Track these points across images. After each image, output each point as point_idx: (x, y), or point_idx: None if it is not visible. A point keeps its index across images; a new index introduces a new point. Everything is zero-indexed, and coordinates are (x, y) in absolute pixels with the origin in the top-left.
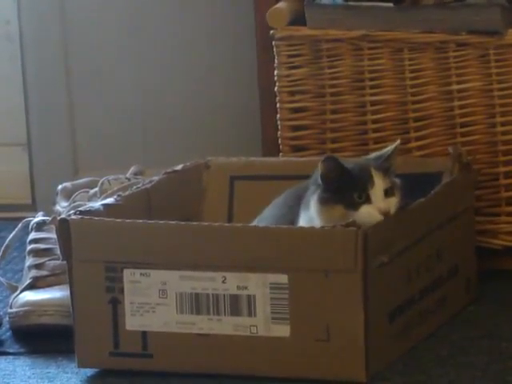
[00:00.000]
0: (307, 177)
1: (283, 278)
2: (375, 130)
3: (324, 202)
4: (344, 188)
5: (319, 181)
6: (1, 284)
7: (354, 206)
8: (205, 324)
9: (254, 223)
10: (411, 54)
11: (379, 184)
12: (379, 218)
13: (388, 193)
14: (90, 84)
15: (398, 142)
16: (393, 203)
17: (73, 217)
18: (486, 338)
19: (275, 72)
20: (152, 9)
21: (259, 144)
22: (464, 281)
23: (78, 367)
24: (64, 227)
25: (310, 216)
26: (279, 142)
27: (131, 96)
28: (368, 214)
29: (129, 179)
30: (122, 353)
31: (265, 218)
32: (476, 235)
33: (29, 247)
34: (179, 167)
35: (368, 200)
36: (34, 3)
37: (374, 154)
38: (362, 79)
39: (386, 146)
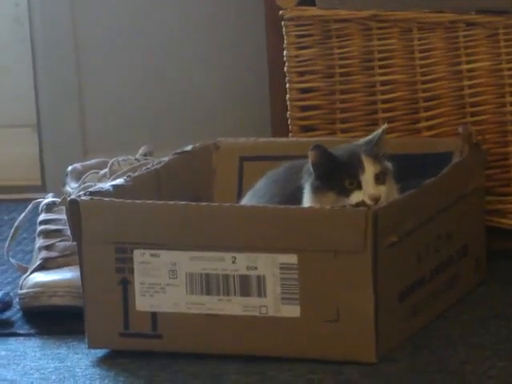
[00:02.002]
0: None
1: (293, 258)
2: (385, 110)
3: (316, 189)
4: (335, 175)
5: (311, 169)
6: (11, 265)
7: (346, 193)
8: (215, 304)
9: (248, 197)
10: (421, 34)
11: (370, 170)
12: (370, 204)
13: (379, 178)
14: (100, 65)
15: (385, 125)
16: (383, 189)
17: (83, 198)
18: (496, 318)
19: (284, 52)
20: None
21: (268, 125)
22: (474, 261)
23: (89, 348)
24: (74, 208)
25: (305, 204)
26: (288, 122)
27: (141, 77)
28: (359, 200)
29: (138, 160)
30: (132, 333)
31: (264, 194)
32: (486, 215)
33: (39, 228)
34: (189, 148)
35: (359, 186)
36: None
37: (363, 139)
38: (372, 59)
39: (395, 127)
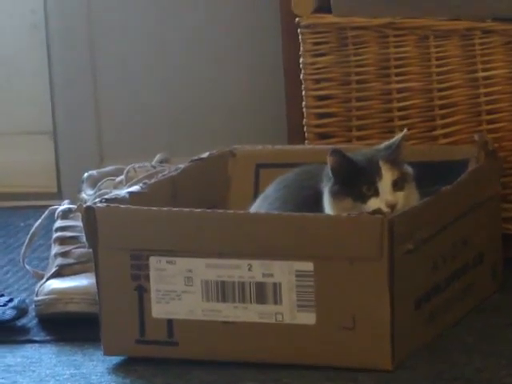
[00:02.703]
0: None
1: (309, 266)
2: (401, 118)
3: (334, 194)
4: (353, 180)
5: (330, 174)
6: (27, 272)
7: (363, 199)
8: (230, 312)
9: (259, 203)
10: (437, 42)
11: (387, 176)
12: (386, 211)
13: (397, 184)
14: (116, 72)
15: (405, 131)
16: (401, 196)
17: (99, 204)
18: None
19: (300, 60)
20: (175, 1)
21: (285, 132)
22: (490, 268)
23: (104, 355)
24: (90, 215)
25: (325, 208)
26: (305, 129)
27: (157, 84)
28: (375, 207)
29: (154, 167)
30: (147, 340)
31: (275, 200)
32: (502, 223)
33: (55, 235)
34: (205, 155)
35: (376, 193)
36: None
37: (383, 144)
38: (388, 67)
39: (411, 135)
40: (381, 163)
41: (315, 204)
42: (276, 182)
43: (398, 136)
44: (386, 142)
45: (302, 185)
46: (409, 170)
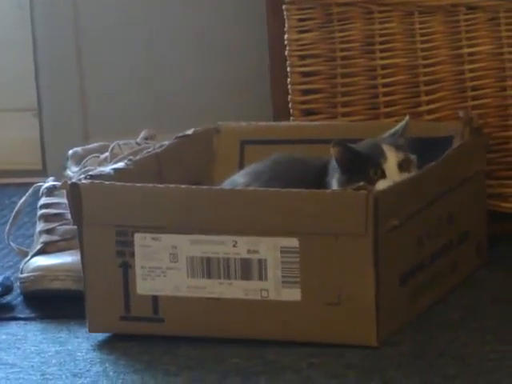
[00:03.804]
0: (318, 141)
1: (294, 242)
2: (386, 94)
3: (343, 183)
4: (360, 167)
5: (335, 165)
6: (12, 249)
7: (372, 182)
8: (216, 288)
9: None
10: (422, 18)
11: (392, 158)
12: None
13: (403, 167)
14: (101, 50)
15: (407, 118)
16: (407, 177)
17: (83, 181)
18: (496, 302)
19: (285, 36)
20: None
21: (270, 108)
22: (475, 245)
23: (89, 332)
24: (75, 192)
25: None
26: (290, 106)
27: (141, 61)
28: (384, 187)
29: (139, 144)
30: (133, 317)
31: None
32: (487, 199)
33: (39, 212)
34: (190, 132)
35: (383, 175)
36: None
37: (387, 133)
38: (373, 43)
39: (396, 111)
40: (385, 147)
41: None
42: (251, 170)
43: (402, 122)
44: (390, 130)
45: (286, 174)
46: (413, 156)
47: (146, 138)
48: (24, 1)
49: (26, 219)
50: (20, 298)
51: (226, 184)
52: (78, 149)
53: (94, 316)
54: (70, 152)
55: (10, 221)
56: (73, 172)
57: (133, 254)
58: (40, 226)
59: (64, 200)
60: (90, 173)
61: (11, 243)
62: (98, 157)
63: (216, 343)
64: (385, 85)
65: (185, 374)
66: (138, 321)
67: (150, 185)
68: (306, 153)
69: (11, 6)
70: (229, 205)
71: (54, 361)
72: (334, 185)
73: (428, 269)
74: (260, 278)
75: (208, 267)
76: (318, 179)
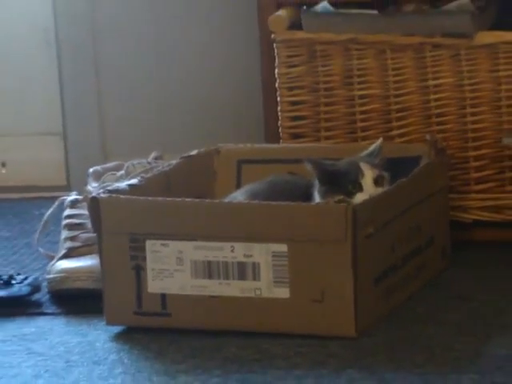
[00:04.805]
0: (303, 161)
1: (283, 247)
2: (362, 120)
3: (324, 194)
4: (339, 181)
5: (316, 179)
6: (40, 254)
7: (351, 195)
8: (216, 287)
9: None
10: (393, 55)
11: (368, 174)
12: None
13: (378, 182)
14: (118, 84)
15: (381, 140)
16: (381, 191)
17: (102, 195)
18: (459, 298)
19: (276, 70)
20: (170, 19)
21: (262, 133)
22: (439, 250)
23: (107, 325)
24: (95, 204)
25: None
26: (280, 130)
27: (152, 94)
28: (361, 200)
29: (150, 163)
30: (144, 312)
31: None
32: (450, 210)
33: (64, 222)
34: (194, 153)
35: (360, 189)
36: (69, 12)
37: (363, 153)
38: (351, 76)
39: (371, 135)
40: (362, 165)
41: None
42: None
43: (377, 144)
44: (366, 151)
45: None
46: (385, 174)
47: (155, 158)
48: (51, 38)
49: (52, 228)
50: (47, 296)
51: (227, 199)
52: (98, 167)
53: (110, 311)
54: (91, 170)
55: (39, 229)
56: (93, 187)
57: (144, 258)
58: (64, 233)
59: (85, 211)
60: (107, 188)
61: (40, 249)
62: (115, 174)
63: (216, 335)
64: (361, 112)
65: (189, 361)
66: (149, 315)
67: (160, 198)
68: (294, 170)
69: (40, 42)
70: (227, 216)
71: (76, 350)
72: (316, 195)
73: (399, 270)
74: (254, 279)
75: (209, 269)
76: (305, 195)
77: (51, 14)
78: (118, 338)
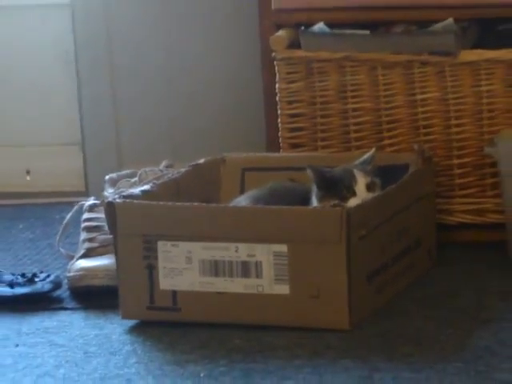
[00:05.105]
0: (302, 168)
1: (283, 248)
2: (356, 131)
3: (320, 198)
4: (335, 187)
5: (314, 185)
6: (61, 254)
7: (345, 200)
8: (222, 284)
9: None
10: (384, 71)
11: (361, 181)
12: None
13: (370, 188)
14: (132, 98)
15: (373, 150)
16: (373, 196)
17: (117, 200)
18: (444, 295)
19: (276, 85)
20: (181, 38)
21: (264, 143)
22: (426, 250)
23: (122, 319)
24: (111, 208)
25: None
26: (280, 140)
27: (163, 108)
28: (355, 204)
29: (161, 171)
30: (156, 307)
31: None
32: (436, 214)
33: (83, 225)
34: (201, 161)
35: (354, 194)
36: (87, 36)
37: (358, 160)
38: (345, 91)
39: (364, 144)
40: (355, 172)
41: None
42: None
43: (370, 153)
44: (360, 159)
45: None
46: (377, 180)
47: (166, 166)
48: (71, 59)
49: (72, 230)
50: (67, 293)
51: (232, 204)
52: (113, 174)
53: (125, 306)
54: (107, 177)
55: (60, 232)
56: (109, 193)
57: (156, 258)
58: (83, 235)
59: (102, 215)
60: (122, 193)
61: (61, 249)
62: (129, 181)
63: (222, 328)
64: (355, 124)
65: (197, 352)
66: (161, 310)
67: (170, 203)
68: (294, 177)
69: (61, 62)
70: (232, 219)
71: (94, 342)
72: (314, 200)
73: (390, 269)
74: (257, 276)
75: (215, 268)
76: (304, 199)
77: (71, 38)
78: (132, 330)
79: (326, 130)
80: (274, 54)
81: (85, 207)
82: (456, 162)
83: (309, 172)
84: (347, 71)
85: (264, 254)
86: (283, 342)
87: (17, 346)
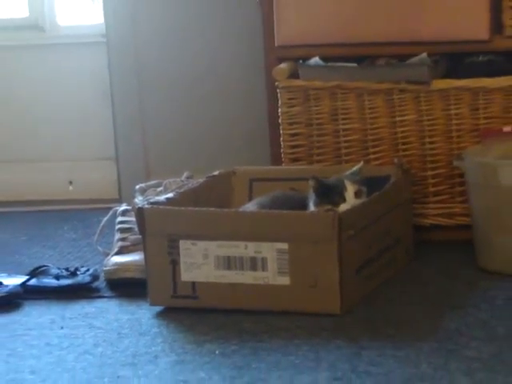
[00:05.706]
0: (301, 178)
1: (285, 246)
2: (346, 148)
3: (317, 204)
4: (328, 194)
5: (312, 192)
6: (99, 251)
7: (336, 205)
8: (233, 277)
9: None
10: (369, 97)
11: (350, 189)
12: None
13: (358, 195)
14: (158, 124)
15: (361, 163)
16: (360, 202)
17: (146, 206)
18: (420, 284)
19: (279, 109)
20: (204, 76)
21: (269, 157)
22: (404, 248)
23: (150, 305)
24: (140, 213)
25: None
26: (282, 155)
27: (185, 129)
28: (345, 209)
29: (183, 181)
30: (178, 296)
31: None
32: (413, 217)
33: (117, 227)
34: (216, 173)
35: (344, 200)
36: (120, 68)
37: (348, 172)
38: (337, 114)
39: (352, 159)
40: (346, 182)
41: None
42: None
43: (358, 165)
44: (350, 170)
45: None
46: (364, 188)
47: (187, 177)
48: (107, 87)
49: (107, 231)
50: (104, 284)
51: (242, 209)
52: (142, 184)
53: (153, 295)
54: (137, 187)
55: (98, 233)
56: (139, 200)
57: (178, 254)
58: (117, 235)
59: (133, 218)
60: (150, 200)
61: (98, 247)
62: (156, 190)
63: (234, 313)
64: (345, 141)
65: (212, 333)
66: (182, 298)
67: (190, 208)
68: (294, 186)
69: (99, 91)
70: (242, 222)
71: (126, 325)
72: (311, 205)
73: (375, 263)
74: (263, 270)
75: (228, 263)
76: (302, 205)
77: (107, 70)
78: (159, 315)
79: (320, 147)
80: (277, 83)
81: (118, 212)
82: (430, 173)
83: (310, 181)
84: (338, 97)
85: (269, 251)
86: (285, 325)
87: (61, 328)
